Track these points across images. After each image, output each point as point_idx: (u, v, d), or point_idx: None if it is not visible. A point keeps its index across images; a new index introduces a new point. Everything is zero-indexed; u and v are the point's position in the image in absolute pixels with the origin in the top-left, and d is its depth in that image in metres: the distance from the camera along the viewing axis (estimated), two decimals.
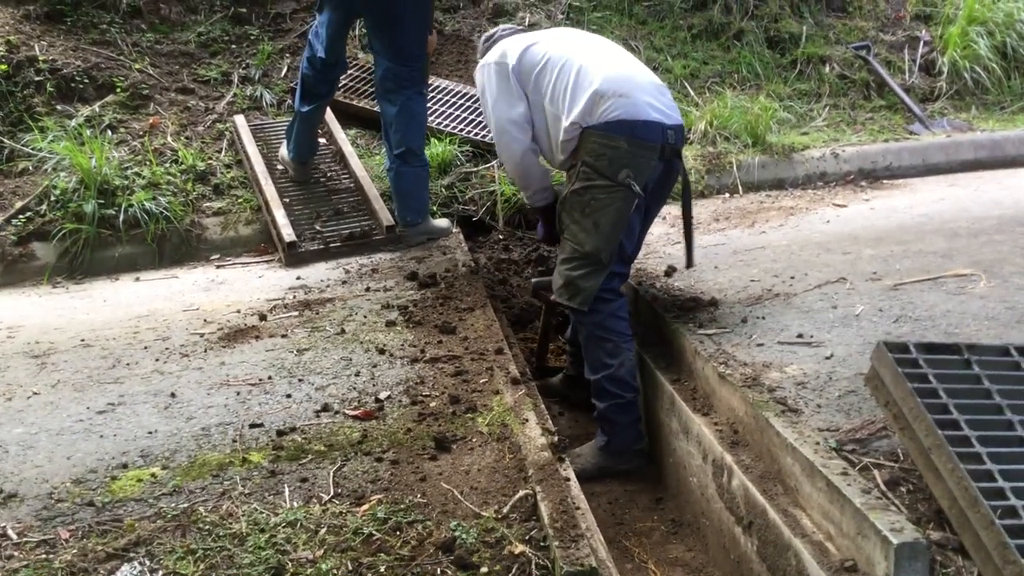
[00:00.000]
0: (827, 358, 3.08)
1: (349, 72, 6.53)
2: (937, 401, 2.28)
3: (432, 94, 6.36)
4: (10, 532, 2.42)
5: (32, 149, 5.57)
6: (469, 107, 6.27)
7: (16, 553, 2.32)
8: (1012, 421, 2.27)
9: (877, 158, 6.12)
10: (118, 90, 6.16)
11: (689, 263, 3.88)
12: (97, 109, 6.01)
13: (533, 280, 4.37)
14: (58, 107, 5.99)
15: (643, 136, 3.37)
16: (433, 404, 3.11)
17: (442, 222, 5.27)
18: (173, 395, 3.29)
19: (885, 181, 5.98)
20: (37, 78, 6.03)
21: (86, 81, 6.16)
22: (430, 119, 6.03)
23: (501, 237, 5.51)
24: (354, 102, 6.28)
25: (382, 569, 2.19)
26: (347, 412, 3.08)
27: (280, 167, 5.60)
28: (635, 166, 3.37)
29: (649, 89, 3.48)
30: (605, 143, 3.37)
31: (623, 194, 3.38)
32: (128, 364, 3.64)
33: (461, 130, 6.03)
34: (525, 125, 3.58)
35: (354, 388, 3.27)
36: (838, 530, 2.30)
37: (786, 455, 2.57)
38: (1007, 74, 7.35)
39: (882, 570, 2.09)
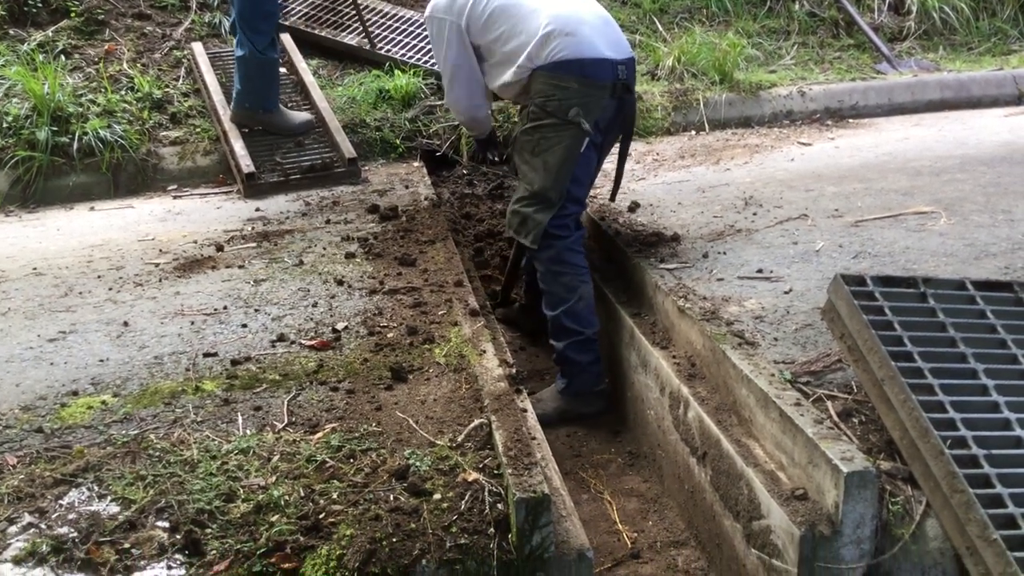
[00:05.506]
0: (786, 292, 3.08)
1: (311, 0, 6.38)
2: (892, 333, 2.28)
3: (395, 24, 6.24)
4: None
5: None
6: None
7: None
8: (965, 354, 2.29)
9: (843, 97, 6.10)
10: (72, 15, 5.97)
11: (612, 197, 3.88)
12: (51, 34, 5.83)
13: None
14: (10, 31, 5.82)
15: (594, 75, 3.33)
16: (391, 335, 3.08)
17: (300, 115, 5.24)
18: (126, 324, 3.24)
19: (851, 120, 5.98)
20: None
21: (39, 5, 5.98)
22: (393, 49, 5.93)
23: (465, 172, 5.46)
24: (315, 31, 6.14)
25: (334, 495, 2.18)
26: (303, 342, 3.04)
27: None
28: (585, 105, 3.32)
29: (597, 24, 3.43)
30: (555, 83, 3.34)
31: (572, 132, 3.33)
32: (80, 293, 3.57)
33: (425, 62, 5.91)
34: (481, 94, 3.67)
35: (311, 319, 3.24)
36: (790, 460, 2.31)
37: (741, 387, 2.58)
38: (975, 15, 7.33)
39: (832, 498, 2.11)
